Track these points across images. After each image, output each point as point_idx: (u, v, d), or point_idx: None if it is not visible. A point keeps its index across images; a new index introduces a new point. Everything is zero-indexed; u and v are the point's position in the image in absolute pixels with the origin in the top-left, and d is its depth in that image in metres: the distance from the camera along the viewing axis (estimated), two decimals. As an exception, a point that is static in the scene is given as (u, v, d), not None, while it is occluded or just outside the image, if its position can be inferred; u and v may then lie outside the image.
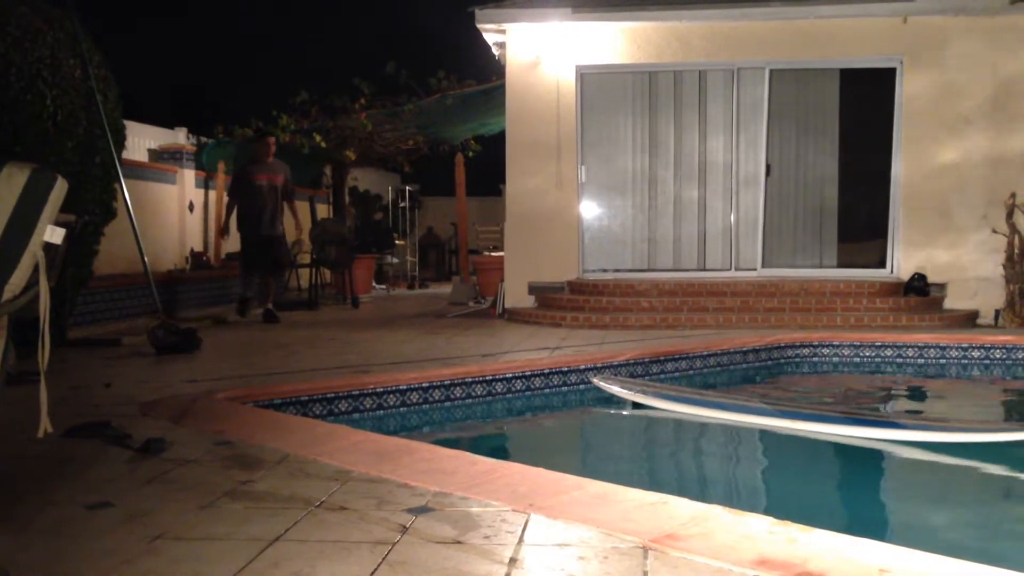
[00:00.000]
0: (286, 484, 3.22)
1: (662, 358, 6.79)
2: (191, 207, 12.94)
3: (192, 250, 12.81)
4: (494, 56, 10.78)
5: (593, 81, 10.01)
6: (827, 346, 7.64)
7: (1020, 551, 3.37)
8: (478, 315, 10.44)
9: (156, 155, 12.75)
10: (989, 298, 9.13)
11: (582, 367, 6.30)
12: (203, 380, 5.57)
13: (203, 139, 13.67)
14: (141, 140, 12.37)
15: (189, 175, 12.93)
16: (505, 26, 9.80)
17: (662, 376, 6.69)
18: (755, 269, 9.85)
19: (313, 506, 2.94)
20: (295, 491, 3.12)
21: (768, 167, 9.88)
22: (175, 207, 12.65)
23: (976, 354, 7.48)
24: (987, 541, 3.53)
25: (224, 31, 25.83)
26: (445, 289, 14.22)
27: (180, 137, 13.37)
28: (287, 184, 9.91)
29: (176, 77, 22.91)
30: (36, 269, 2.40)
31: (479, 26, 9.79)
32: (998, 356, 7.46)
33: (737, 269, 9.90)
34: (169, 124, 13.59)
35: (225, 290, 12.28)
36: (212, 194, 13.35)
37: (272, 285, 10.14)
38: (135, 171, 10.79)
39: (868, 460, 4.84)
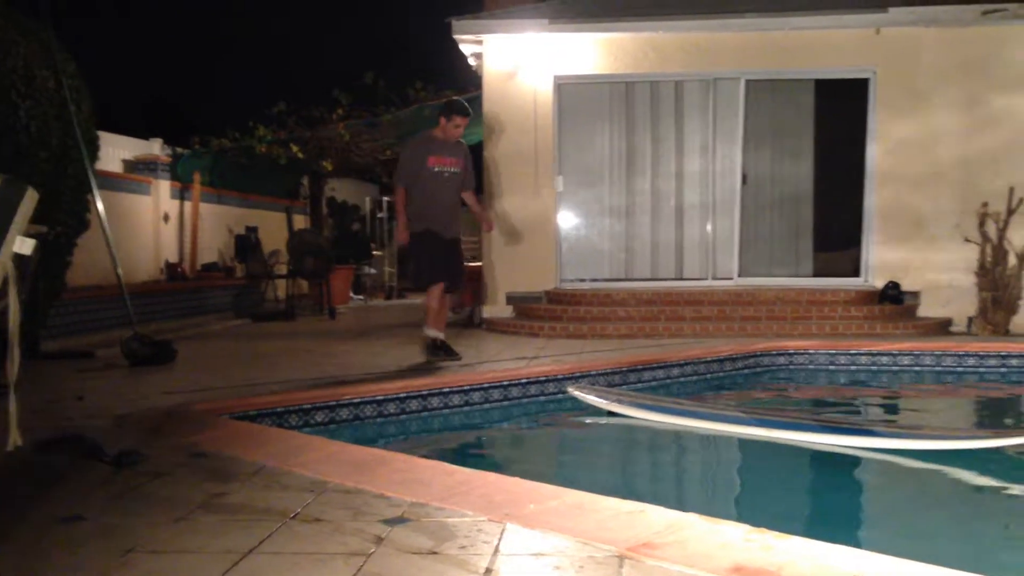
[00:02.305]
0: (261, 496, 3.20)
1: (639, 367, 6.81)
2: (166, 218, 12.87)
3: (167, 261, 12.74)
4: (471, 66, 10.79)
5: (570, 91, 10.05)
6: (803, 354, 7.68)
7: (993, 556, 3.39)
8: (455, 325, 10.41)
9: (130, 166, 12.68)
10: (962, 306, 9.22)
11: (559, 377, 6.30)
12: (178, 392, 5.53)
13: (179, 150, 13.60)
14: (115, 151, 12.29)
15: (164, 186, 12.86)
16: (482, 36, 9.82)
17: (639, 385, 6.70)
18: (732, 278, 9.90)
19: (288, 518, 2.92)
20: (270, 503, 3.10)
21: (744, 176, 9.94)
22: (150, 218, 12.58)
23: (949, 361, 7.55)
24: (960, 547, 3.55)
25: (201, 41, 25.76)
26: (423, 300, 14.17)
27: (155, 148, 13.29)
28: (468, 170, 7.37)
29: (151, 87, 22.81)
30: (6, 280, 2.37)
31: (456, 37, 9.81)
32: (971, 363, 7.53)
33: (714, 278, 9.94)
34: (144, 135, 13.51)
35: (201, 301, 12.21)
36: (187, 205, 13.28)
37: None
38: (109, 182, 10.72)
39: (843, 468, 4.87)
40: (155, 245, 12.66)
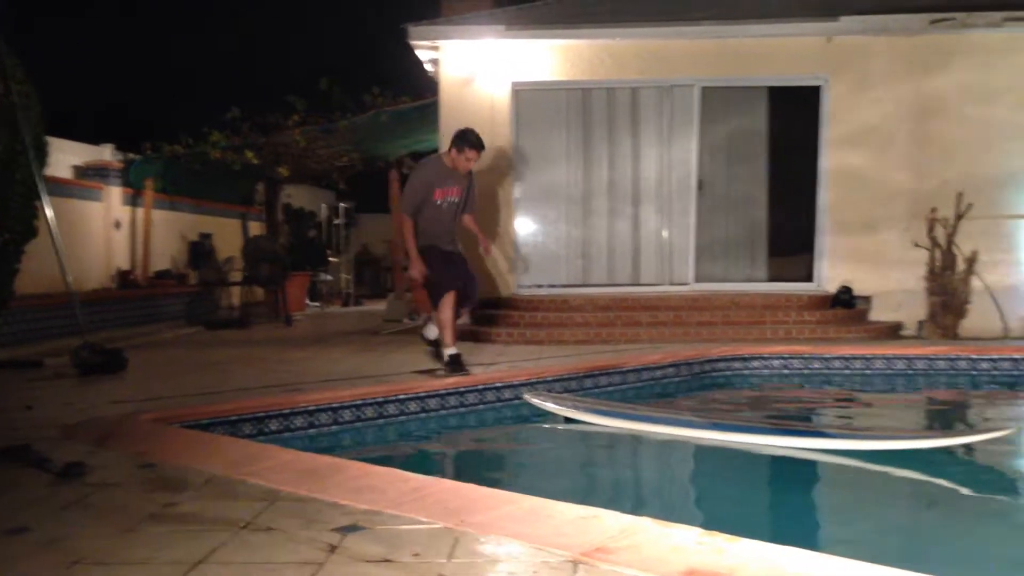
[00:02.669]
0: (211, 506, 3.15)
1: (596, 373, 6.82)
2: (117, 225, 12.68)
3: (119, 269, 12.55)
4: (428, 72, 10.77)
5: (527, 98, 10.06)
6: (757, 359, 7.75)
7: (942, 556, 3.44)
8: (413, 332, 10.35)
9: (81, 172, 12.48)
10: (912, 310, 9.37)
11: (516, 383, 6.30)
12: (128, 401, 5.44)
13: (130, 155, 13.41)
14: (65, 156, 12.09)
15: (116, 192, 12.68)
16: (438, 43, 9.81)
17: (596, 391, 6.71)
18: (688, 283, 9.97)
19: (239, 527, 2.88)
20: (220, 513, 3.05)
21: (700, 183, 10.03)
22: (101, 225, 12.39)
23: (900, 365, 7.66)
24: (910, 546, 3.60)
25: (153, 46, 25.43)
26: (380, 306, 14.12)
27: (106, 154, 13.09)
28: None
29: (103, 92, 22.46)
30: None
31: (412, 43, 9.79)
32: (920, 367, 7.65)
33: (670, 284, 10.01)
34: (95, 140, 13.30)
35: (153, 309, 12.04)
36: (140, 211, 13.10)
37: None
38: (59, 188, 10.55)
39: (797, 470, 4.91)
40: (106, 252, 12.47)
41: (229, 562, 2.57)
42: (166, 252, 13.98)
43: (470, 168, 6.89)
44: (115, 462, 3.85)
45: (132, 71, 24.12)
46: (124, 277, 12.46)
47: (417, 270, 6.69)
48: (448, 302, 6.64)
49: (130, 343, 8.76)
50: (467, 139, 6.76)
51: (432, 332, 6.95)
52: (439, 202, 6.76)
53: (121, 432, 4.45)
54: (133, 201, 13.08)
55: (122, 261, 12.77)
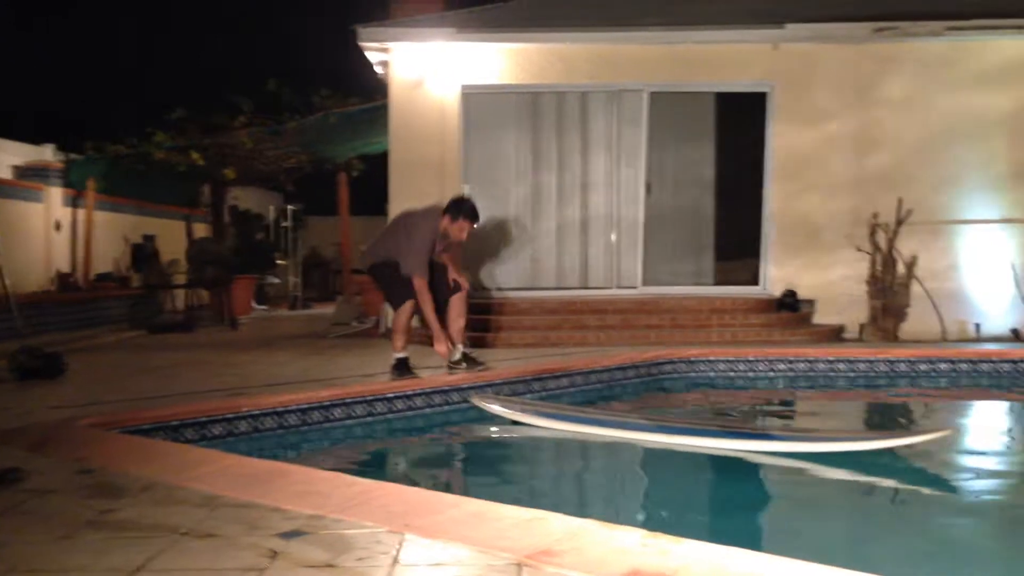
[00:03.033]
0: (151, 512, 3.10)
1: (544, 376, 6.83)
2: (58, 226, 12.43)
3: (59, 271, 12.30)
4: (378, 74, 10.71)
5: (477, 101, 10.05)
6: (704, 361, 7.82)
7: (884, 554, 3.49)
8: (361, 335, 10.33)
9: (20, 172, 12.23)
10: (854, 313, 9.53)
11: (463, 386, 6.28)
12: (67, 406, 5.33)
13: (72, 156, 13.15)
14: (4, 156, 11.85)
15: (56, 193, 12.44)
16: (388, 45, 9.76)
17: (544, 394, 6.73)
18: (636, 287, 10.02)
19: (179, 534, 2.83)
20: (160, 519, 3.00)
21: (648, 186, 10.09)
22: (41, 226, 12.15)
23: (842, 367, 7.79)
24: (851, 546, 3.65)
25: (95, 45, 24.95)
26: (328, 309, 14.00)
27: (47, 154, 12.84)
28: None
29: (44, 92, 22.00)
30: None
31: (362, 44, 9.72)
32: (862, 368, 7.78)
33: (618, 287, 10.06)
34: (36, 140, 13.03)
35: (94, 312, 11.82)
36: (81, 213, 12.85)
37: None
38: (-3, 188, 10.32)
39: (741, 471, 4.96)
40: (46, 254, 12.22)
41: (168, 569, 2.52)
42: (108, 254, 13.74)
43: (463, 239, 6.66)
44: (52, 468, 3.77)
45: (74, 70, 23.67)
46: (64, 280, 12.22)
47: (443, 349, 6.42)
48: (407, 309, 6.54)
49: (70, 347, 8.57)
50: (462, 209, 6.51)
51: (455, 354, 6.74)
52: (431, 259, 6.58)
53: (59, 437, 4.35)
54: (74, 202, 12.84)
55: (63, 263, 12.52)
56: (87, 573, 2.50)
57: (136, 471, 3.64)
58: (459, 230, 6.55)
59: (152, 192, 15.00)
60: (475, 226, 6.61)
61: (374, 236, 7.10)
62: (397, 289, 6.58)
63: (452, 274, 6.76)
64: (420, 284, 6.38)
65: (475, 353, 6.98)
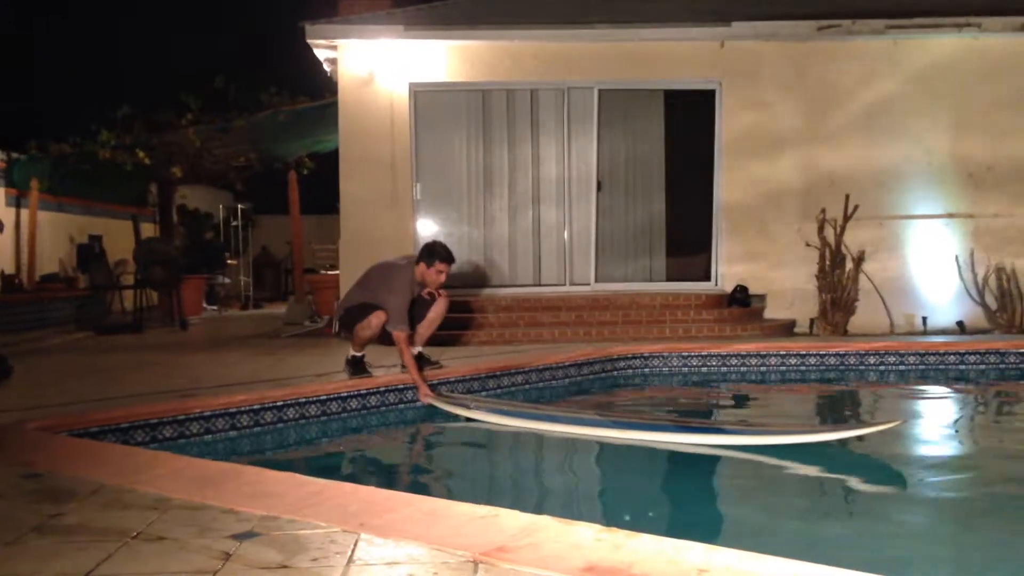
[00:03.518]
0: (100, 516, 3.04)
1: (498, 373, 6.84)
2: (0, 227, 12.16)
3: (2, 272, 12.04)
4: (327, 72, 10.63)
5: (427, 98, 10.03)
6: (657, 357, 7.88)
7: (834, 546, 3.55)
8: (314, 335, 10.25)
9: (-39, 171, 11.94)
10: (804, 308, 9.67)
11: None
12: (13, 410, 5.21)
13: (14, 155, 12.87)
14: (-57, 155, 11.56)
15: (-2, 193, 12.17)
16: (337, 42, 9.70)
17: (498, 391, 6.73)
18: (589, 284, 10.07)
19: (129, 537, 2.78)
20: (109, 523, 2.95)
21: (599, 184, 10.15)
22: (-17, 227, 11.87)
23: (793, 361, 7.89)
24: (805, 537, 3.70)
25: (35, 41, 24.45)
26: (280, 309, 13.89)
27: (-12, 152, 12.56)
28: None
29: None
30: None
31: (310, 42, 9.65)
32: (812, 362, 7.89)
33: (571, 284, 10.10)
34: (-25, 139, 12.76)
35: (40, 314, 11.58)
36: (24, 213, 12.59)
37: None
38: (-64, 188, 10.07)
39: (695, 466, 5.01)
40: (-12, 255, 11.95)
41: (118, 573, 2.48)
42: (54, 255, 13.49)
43: (442, 282, 6.49)
44: (-3, 473, 3.69)
45: (14, 66, 23.16)
46: (8, 281, 11.97)
47: (427, 396, 6.11)
48: (374, 324, 6.26)
49: (15, 349, 8.39)
50: (436, 253, 6.35)
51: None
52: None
53: (4, 441, 4.26)
54: (17, 202, 12.59)
55: (6, 264, 12.26)
56: (34, 579, 2.45)
57: (85, 475, 3.57)
58: (437, 274, 6.40)
59: (98, 191, 14.75)
60: (451, 267, 6.48)
61: (346, 292, 6.90)
62: (366, 312, 6.34)
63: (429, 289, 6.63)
64: (401, 338, 6.22)
65: (430, 352, 6.95)
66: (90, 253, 14.10)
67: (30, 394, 5.95)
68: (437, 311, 6.67)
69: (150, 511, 3.06)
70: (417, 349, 6.64)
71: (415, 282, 6.46)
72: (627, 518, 3.90)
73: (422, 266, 6.40)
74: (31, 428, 4.57)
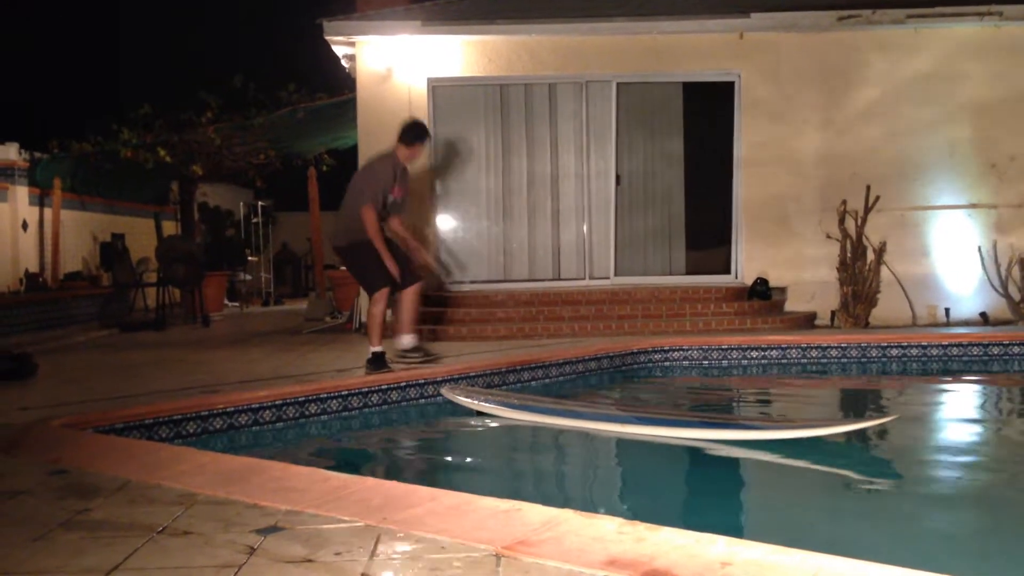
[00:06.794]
0: (126, 511, 3.08)
1: (518, 367, 6.84)
2: (25, 226, 12.28)
3: (27, 271, 12.15)
4: (345, 68, 10.66)
5: (445, 94, 10.04)
6: (677, 350, 7.86)
7: (853, 538, 3.53)
8: (334, 330, 10.30)
9: (-15, 171, 12.06)
10: (825, 300, 9.61)
11: (438, 379, 6.28)
12: (38, 407, 5.27)
13: (37, 155, 12.99)
14: (-33, 156, 11.68)
15: (22, 192, 12.29)
16: (355, 39, 9.71)
17: (519, 386, 6.74)
18: (608, 278, 10.06)
19: (155, 532, 2.81)
20: (135, 518, 2.98)
21: (618, 177, 10.13)
22: (7, 226, 12.01)
23: (814, 353, 7.86)
24: (829, 532, 3.69)
25: (59, 41, 24.65)
26: (301, 305, 13.95)
27: (11, 152, 12.66)
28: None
29: (7, 90, 21.71)
30: None
31: (328, 38, 9.67)
32: (834, 355, 7.85)
33: (591, 278, 10.08)
34: (-1, 139, 12.87)
35: (64, 312, 11.69)
36: (48, 212, 12.70)
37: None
38: (-39, 188, 10.17)
39: (716, 461, 4.99)
40: (13, 254, 12.07)
41: (144, 568, 2.51)
42: (77, 253, 13.60)
43: (419, 157, 6.91)
44: (25, 469, 3.73)
45: (38, 68, 23.37)
46: (33, 280, 12.07)
47: (391, 263, 6.40)
48: (382, 298, 6.54)
49: (40, 348, 8.48)
50: (419, 133, 6.75)
51: (404, 342, 6.78)
52: (391, 199, 6.65)
53: (31, 439, 4.31)
54: (41, 201, 12.69)
55: (31, 263, 12.37)
56: (62, 574, 2.48)
57: (110, 471, 3.62)
58: (421, 149, 6.84)
59: (120, 190, 14.86)
60: (425, 141, 6.89)
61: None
62: (372, 273, 6.56)
63: (421, 257, 6.94)
64: (370, 216, 6.42)
65: (429, 345, 6.99)
66: (113, 251, 14.21)
67: (55, 391, 6.01)
68: (409, 300, 6.76)
69: (175, 506, 3.10)
70: (408, 338, 6.68)
71: (394, 168, 6.68)
72: (646, 512, 3.90)
73: (402, 147, 6.72)
74: (57, 425, 4.61)
